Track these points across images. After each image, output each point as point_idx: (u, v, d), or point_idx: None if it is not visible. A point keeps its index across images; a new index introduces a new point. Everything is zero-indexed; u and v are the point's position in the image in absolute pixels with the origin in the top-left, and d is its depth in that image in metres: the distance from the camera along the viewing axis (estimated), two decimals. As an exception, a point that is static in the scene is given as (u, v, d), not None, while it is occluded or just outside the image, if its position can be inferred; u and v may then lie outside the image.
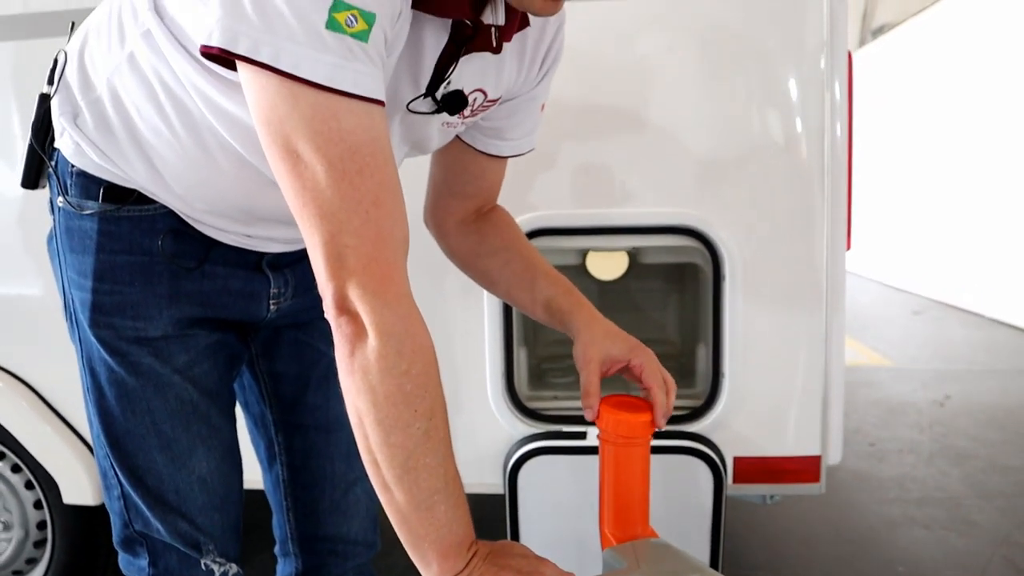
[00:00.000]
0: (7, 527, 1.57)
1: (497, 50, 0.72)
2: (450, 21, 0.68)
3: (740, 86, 1.29)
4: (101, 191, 0.77)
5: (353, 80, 0.57)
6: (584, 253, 1.46)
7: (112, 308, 0.79)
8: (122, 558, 0.88)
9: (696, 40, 1.28)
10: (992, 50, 5.16)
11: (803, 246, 1.30)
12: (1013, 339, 4.61)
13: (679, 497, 1.31)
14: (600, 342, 0.83)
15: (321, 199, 0.57)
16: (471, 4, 0.68)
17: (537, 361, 1.66)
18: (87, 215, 0.78)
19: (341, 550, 1.00)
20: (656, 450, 0.84)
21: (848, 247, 1.32)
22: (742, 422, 1.35)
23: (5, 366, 1.49)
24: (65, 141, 0.78)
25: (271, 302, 0.88)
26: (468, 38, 0.69)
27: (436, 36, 0.69)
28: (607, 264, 1.58)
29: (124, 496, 0.84)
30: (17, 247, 1.46)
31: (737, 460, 1.35)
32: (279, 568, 1.04)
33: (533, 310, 0.90)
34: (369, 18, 0.56)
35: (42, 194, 0.86)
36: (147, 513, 0.84)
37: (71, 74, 0.78)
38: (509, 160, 0.92)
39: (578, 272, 1.58)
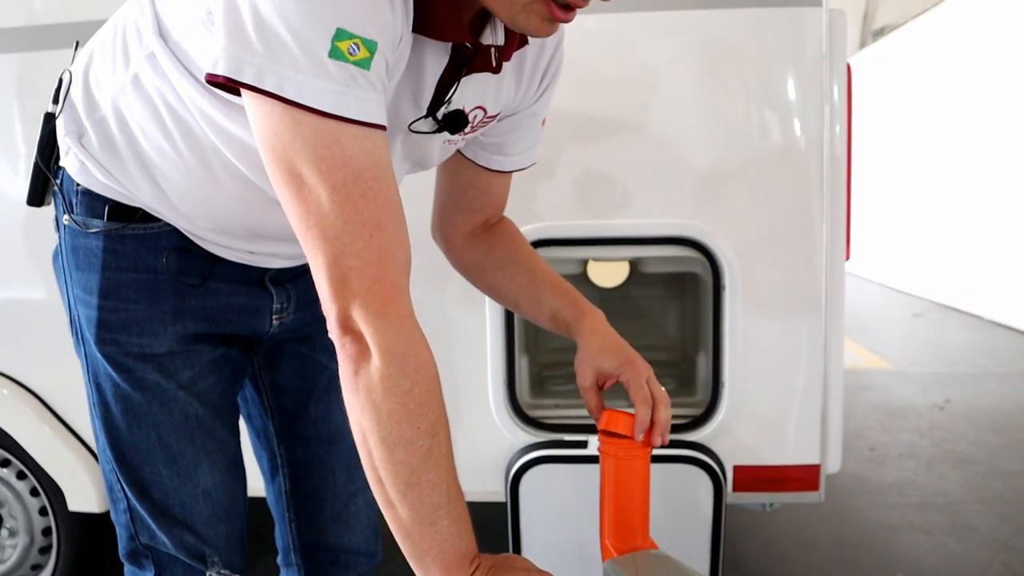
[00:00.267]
0: (12, 533, 1.58)
1: (497, 70, 0.73)
2: (450, 44, 0.69)
3: (740, 98, 1.30)
4: (106, 210, 0.78)
5: (356, 107, 0.58)
6: (585, 262, 1.47)
7: (118, 325, 0.80)
8: (128, 570, 0.89)
9: (697, 53, 1.29)
10: (993, 53, 5.16)
11: (803, 257, 1.30)
12: (1013, 342, 4.62)
13: (679, 506, 1.31)
14: (593, 357, 0.85)
15: (325, 223, 0.58)
16: (471, 27, 0.69)
17: (539, 368, 1.67)
18: (92, 233, 0.79)
19: (343, 560, 1.02)
20: (657, 459, 0.85)
21: (847, 257, 1.33)
22: (742, 431, 1.36)
23: (10, 374, 1.50)
24: (70, 160, 0.79)
25: (274, 317, 0.89)
26: (468, 59, 0.70)
27: (437, 58, 0.70)
28: (608, 272, 1.59)
29: (130, 509, 0.85)
30: (21, 257, 1.47)
31: (737, 469, 1.36)
32: (282, 578, 1.05)
33: (541, 321, 0.92)
34: (371, 46, 0.57)
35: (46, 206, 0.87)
36: (153, 526, 0.85)
37: (76, 94, 0.79)
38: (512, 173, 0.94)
39: (579, 280, 1.59)
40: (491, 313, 1.36)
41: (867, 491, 2.34)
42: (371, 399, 0.60)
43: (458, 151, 0.89)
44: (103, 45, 0.77)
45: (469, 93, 0.75)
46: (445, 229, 0.96)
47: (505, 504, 1.38)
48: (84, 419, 1.48)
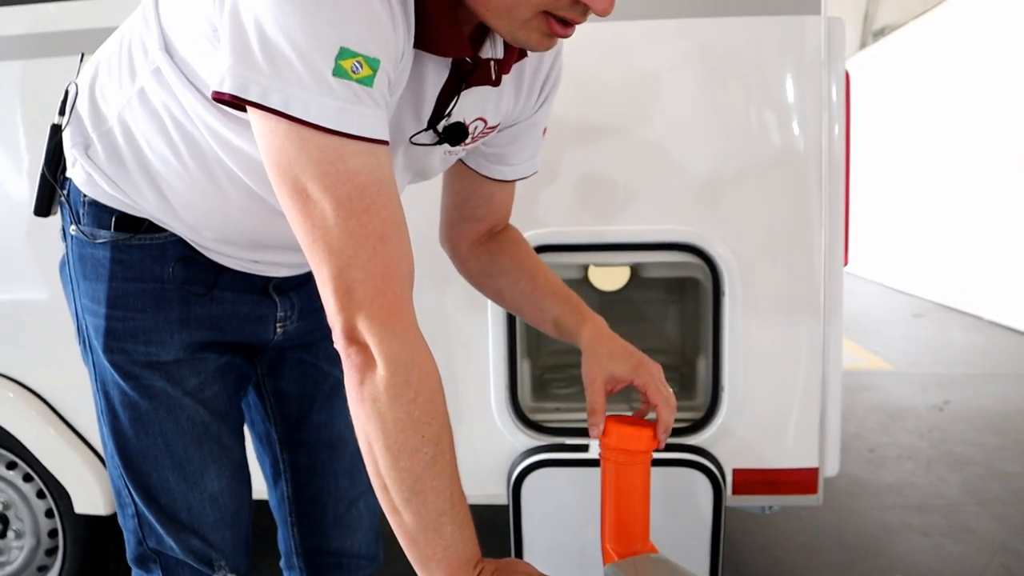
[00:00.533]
0: (19, 535, 1.60)
1: (496, 83, 0.74)
2: (451, 59, 0.70)
3: (740, 106, 1.31)
4: (113, 220, 0.80)
5: (359, 123, 0.59)
6: (586, 267, 1.48)
7: (125, 334, 0.81)
8: (135, 574, 0.90)
9: (697, 60, 1.30)
10: (994, 54, 5.16)
11: (801, 263, 1.32)
12: (1013, 342, 4.62)
13: (679, 508, 1.33)
14: (604, 362, 0.85)
15: (330, 236, 0.60)
16: (470, 41, 0.70)
17: (540, 371, 1.69)
18: (100, 244, 0.80)
19: (345, 563, 1.03)
20: (657, 462, 0.86)
21: (845, 263, 1.34)
22: (741, 434, 1.37)
23: (16, 378, 1.51)
24: (77, 171, 0.80)
25: (278, 325, 0.91)
26: (468, 73, 0.71)
27: (437, 72, 0.71)
28: (609, 276, 1.61)
29: (138, 514, 0.87)
30: (24, 261, 1.48)
31: (736, 472, 1.37)
32: (284, 582, 1.06)
33: (544, 327, 0.93)
34: (374, 64, 0.59)
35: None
36: (160, 531, 0.86)
37: (82, 106, 0.80)
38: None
39: (581, 284, 1.60)
40: (493, 316, 1.37)
41: (866, 493, 2.35)
42: (376, 408, 0.61)
43: (461, 161, 0.90)
44: (109, 59, 0.78)
45: (469, 105, 0.76)
46: (451, 237, 0.98)
47: (507, 507, 1.39)
48: (89, 422, 1.49)
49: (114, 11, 1.32)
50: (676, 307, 1.78)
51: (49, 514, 1.58)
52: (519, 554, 1.37)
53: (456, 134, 0.77)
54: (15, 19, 1.41)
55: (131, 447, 0.84)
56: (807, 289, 1.32)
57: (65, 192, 0.83)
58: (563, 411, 1.51)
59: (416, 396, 0.61)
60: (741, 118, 1.31)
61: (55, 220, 0.87)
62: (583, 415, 0.85)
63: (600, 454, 0.86)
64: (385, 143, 0.61)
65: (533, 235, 1.33)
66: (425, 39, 0.66)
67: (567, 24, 0.65)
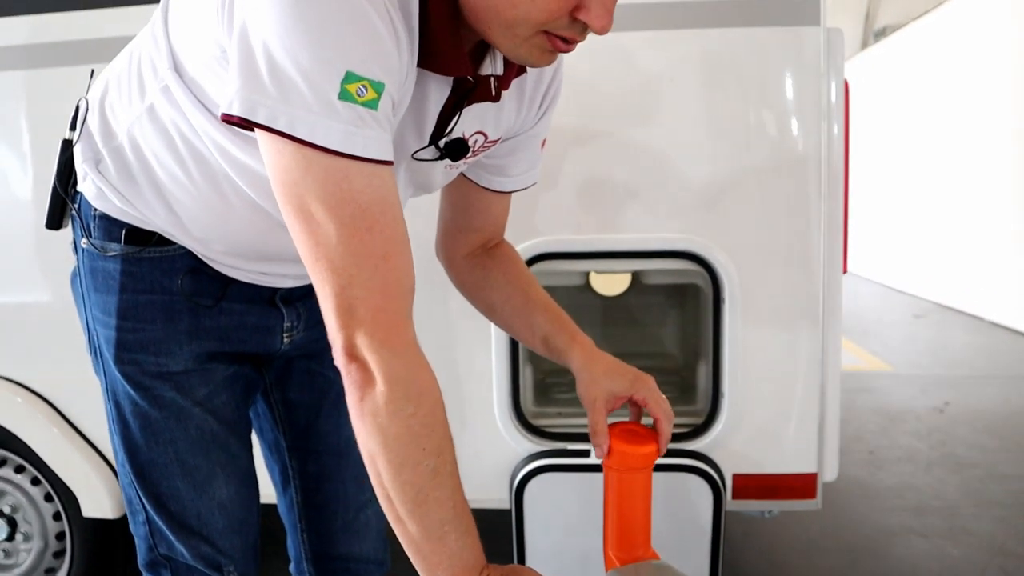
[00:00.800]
0: (27, 538, 1.61)
1: (496, 99, 0.76)
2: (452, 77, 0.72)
3: (740, 115, 1.32)
4: (123, 234, 0.81)
5: (363, 145, 0.60)
6: (587, 274, 1.50)
7: (136, 345, 0.83)
8: (146, 580, 0.92)
9: (697, 71, 1.32)
10: (995, 55, 5.16)
11: (801, 270, 1.33)
12: (1013, 344, 4.63)
13: (680, 513, 1.34)
14: (601, 381, 0.86)
15: (333, 255, 0.61)
16: (470, 57, 0.71)
17: (542, 376, 1.70)
18: (110, 257, 0.81)
19: (354, 569, 1.05)
20: (658, 468, 0.87)
21: (844, 271, 1.36)
22: (741, 440, 1.39)
23: (24, 382, 1.53)
24: (88, 185, 0.82)
25: (285, 335, 0.92)
26: (469, 91, 0.73)
27: (439, 90, 0.72)
28: (610, 281, 1.62)
29: (149, 521, 0.88)
30: (33, 268, 1.50)
31: (736, 477, 1.39)
32: (294, 586, 1.08)
33: (533, 344, 0.94)
34: (378, 87, 0.60)
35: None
36: (171, 537, 0.88)
37: (92, 122, 0.81)
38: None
39: (582, 291, 1.62)
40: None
41: (866, 495, 2.37)
42: (377, 423, 0.62)
43: (461, 173, 0.91)
44: (118, 75, 0.80)
45: (470, 120, 0.77)
46: (447, 248, 0.99)
47: (509, 511, 1.40)
48: (96, 426, 1.51)
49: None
50: (677, 312, 1.79)
51: (57, 517, 1.60)
52: (521, 559, 1.39)
53: (457, 149, 0.78)
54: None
55: (142, 456, 0.86)
56: (806, 296, 1.34)
57: (76, 206, 0.84)
58: (565, 416, 1.52)
59: (415, 410, 0.62)
60: (741, 127, 1.32)
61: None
62: (585, 419, 0.87)
63: (603, 464, 0.87)
64: (389, 163, 0.63)
65: (534, 243, 1.35)
66: (428, 58, 0.67)
67: (567, 41, 0.67)
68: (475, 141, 0.80)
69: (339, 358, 0.63)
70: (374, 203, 0.61)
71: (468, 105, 0.74)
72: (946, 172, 5.89)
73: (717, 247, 1.33)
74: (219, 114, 0.62)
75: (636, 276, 1.57)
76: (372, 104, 0.60)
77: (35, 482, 1.59)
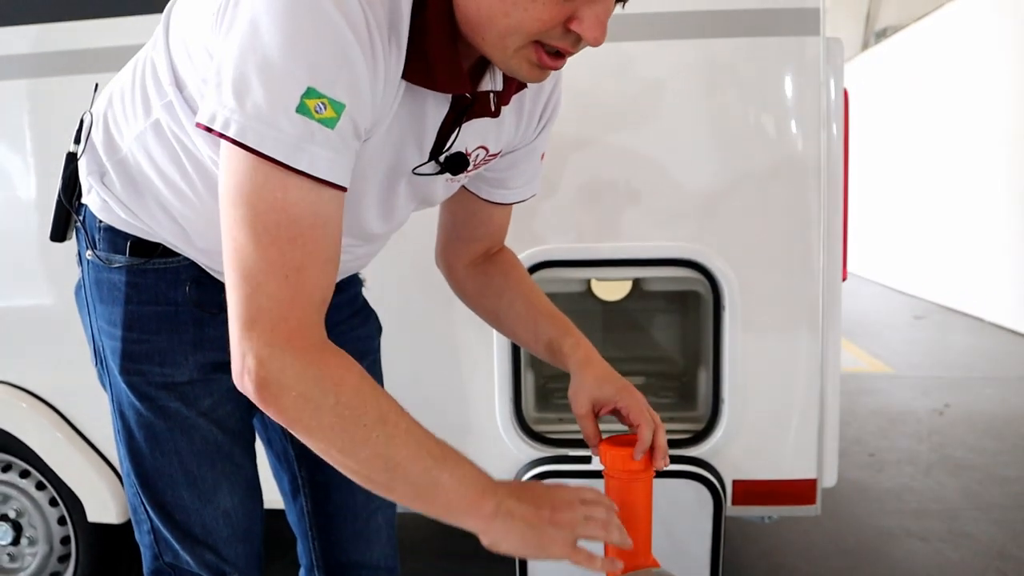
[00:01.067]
0: (32, 542, 1.62)
1: (496, 115, 0.76)
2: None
3: (739, 125, 1.33)
4: (128, 245, 0.82)
5: (309, 161, 0.60)
6: (588, 281, 1.50)
7: (141, 356, 0.83)
8: (152, 588, 0.93)
9: (698, 80, 1.33)
10: (996, 56, 5.16)
11: (800, 278, 1.34)
12: (1014, 345, 4.63)
13: (680, 520, 1.35)
14: (588, 387, 0.87)
15: (248, 261, 0.60)
16: (471, 74, 0.72)
17: (543, 381, 1.71)
18: (115, 268, 0.82)
19: (365, 575, 1.06)
20: (659, 474, 0.88)
21: (844, 278, 1.36)
22: (741, 447, 1.39)
23: (29, 388, 1.54)
24: (93, 198, 0.83)
25: None
26: (468, 107, 0.73)
27: (437, 106, 0.73)
28: (611, 286, 1.63)
29: (154, 530, 0.89)
30: (37, 275, 1.51)
31: (736, 483, 1.40)
32: (306, 593, 1.09)
33: (536, 349, 0.95)
34: (338, 107, 0.60)
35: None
36: (176, 546, 0.89)
37: (97, 136, 0.82)
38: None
39: (583, 297, 1.63)
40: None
41: (866, 498, 2.37)
42: (306, 425, 0.62)
43: (461, 185, 0.92)
44: (122, 90, 0.81)
45: (471, 135, 0.78)
46: (448, 257, 1.00)
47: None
48: (101, 431, 1.52)
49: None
50: (677, 318, 1.80)
51: (62, 521, 1.61)
52: (523, 564, 1.40)
53: (457, 164, 0.78)
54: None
55: (147, 465, 0.87)
56: (806, 304, 1.34)
57: (81, 218, 0.85)
58: (566, 421, 1.53)
59: (336, 400, 0.62)
60: (741, 136, 1.33)
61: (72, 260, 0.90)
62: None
63: (604, 472, 0.88)
64: (335, 186, 0.62)
65: (536, 251, 1.36)
66: (424, 76, 0.68)
67: (558, 56, 0.67)
68: (477, 156, 0.81)
69: (238, 380, 0.62)
70: (304, 216, 0.60)
71: (467, 121, 0.75)
72: (947, 172, 5.90)
73: (717, 255, 1.33)
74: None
75: (637, 282, 1.58)
76: (329, 123, 0.60)
77: (40, 487, 1.60)
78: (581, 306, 1.68)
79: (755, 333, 1.35)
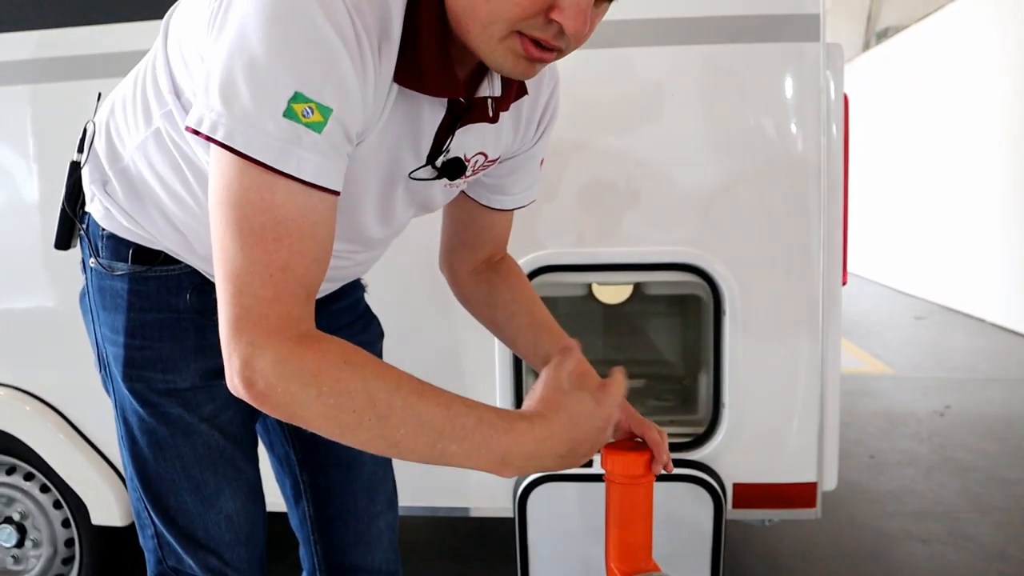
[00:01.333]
0: (37, 544, 1.63)
1: (494, 120, 0.76)
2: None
3: (740, 130, 1.33)
4: (130, 253, 0.82)
5: (296, 164, 0.59)
6: (589, 286, 1.51)
7: (143, 362, 0.84)
8: (155, 592, 0.94)
9: (699, 86, 1.33)
10: (996, 57, 5.16)
11: (801, 282, 1.35)
12: (1015, 346, 4.63)
13: (681, 523, 1.36)
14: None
15: (233, 262, 0.60)
16: (469, 80, 0.72)
17: (543, 384, 1.71)
18: (118, 276, 0.83)
19: None
20: (660, 477, 0.88)
21: (844, 282, 1.37)
22: (741, 450, 1.40)
23: (34, 391, 1.55)
24: (95, 206, 0.83)
25: None
26: (464, 112, 0.73)
27: (433, 111, 0.73)
28: (612, 290, 1.64)
29: (157, 535, 0.90)
30: (42, 280, 1.52)
31: (736, 486, 1.40)
32: (309, 596, 1.10)
33: (533, 361, 0.96)
34: (325, 112, 0.60)
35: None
36: (179, 550, 0.89)
37: (99, 145, 0.83)
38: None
39: (584, 300, 1.63)
40: (498, 333, 1.40)
41: (866, 499, 2.38)
42: (301, 418, 0.61)
43: (461, 191, 0.93)
44: (124, 99, 0.81)
45: (469, 141, 0.78)
46: (451, 263, 1.00)
47: (513, 520, 1.42)
48: (105, 434, 1.53)
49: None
50: (678, 322, 1.80)
51: (66, 524, 1.62)
52: (524, 567, 1.40)
53: (454, 169, 0.78)
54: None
55: (150, 471, 0.87)
56: (806, 308, 1.35)
57: (84, 226, 0.86)
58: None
59: (318, 389, 0.60)
60: (742, 142, 1.33)
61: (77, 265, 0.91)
62: None
63: (604, 477, 0.89)
64: (323, 190, 0.62)
65: (537, 256, 1.36)
66: (416, 80, 0.68)
67: (544, 48, 0.65)
68: (476, 162, 0.81)
69: (229, 382, 0.61)
70: (291, 217, 0.60)
71: (464, 126, 0.75)
72: (948, 172, 5.90)
73: (718, 259, 1.34)
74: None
75: (638, 286, 1.58)
76: (316, 127, 0.60)
77: (44, 489, 1.61)
78: (582, 310, 1.68)
79: (755, 337, 1.36)
